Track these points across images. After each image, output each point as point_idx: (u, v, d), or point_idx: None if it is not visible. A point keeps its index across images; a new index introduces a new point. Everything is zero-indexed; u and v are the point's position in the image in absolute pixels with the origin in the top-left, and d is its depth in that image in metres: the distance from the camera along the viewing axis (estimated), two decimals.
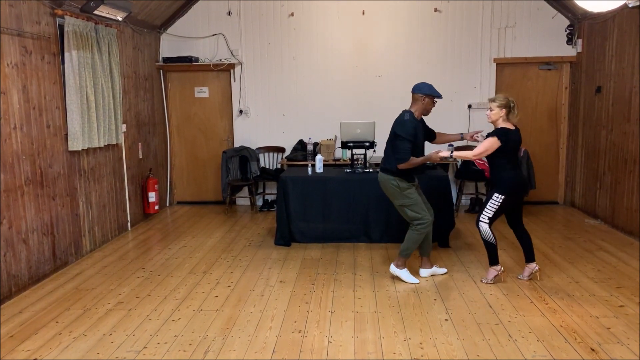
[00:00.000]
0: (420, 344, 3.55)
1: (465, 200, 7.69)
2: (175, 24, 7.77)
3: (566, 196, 7.79)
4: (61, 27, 5.19)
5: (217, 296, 4.44)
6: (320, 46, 7.72)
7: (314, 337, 3.66)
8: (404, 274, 4.74)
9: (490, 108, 4.45)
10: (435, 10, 7.54)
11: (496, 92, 7.66)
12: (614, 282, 4.62)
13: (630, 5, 5.66)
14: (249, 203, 7.99)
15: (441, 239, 5.76)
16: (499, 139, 4.34)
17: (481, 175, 7.16)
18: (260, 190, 7.97)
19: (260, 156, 7.90)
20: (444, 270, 4.92)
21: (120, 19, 5.86)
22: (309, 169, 6.07)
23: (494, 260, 4.61)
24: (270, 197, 7.88)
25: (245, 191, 8.00)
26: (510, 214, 4.65)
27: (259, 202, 7.97)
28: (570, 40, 7.44)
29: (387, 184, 4.66)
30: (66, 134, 5.28)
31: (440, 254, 5.50)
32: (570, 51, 7.47)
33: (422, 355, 3.39)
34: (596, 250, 5.54)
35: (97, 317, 4.05)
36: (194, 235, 6.38)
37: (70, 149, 5.30)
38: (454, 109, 7.70)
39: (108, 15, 5.60)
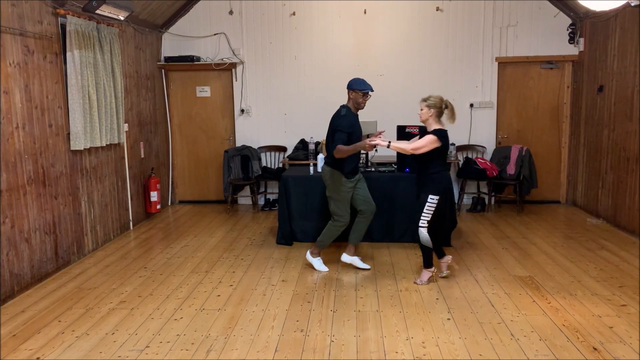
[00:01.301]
0: (423, 343, 3.55)
1: (467, 200, 7.68)
2: (176, 23, 7.78)
3: (568, 195, 7.79)
4: (63, 27, 5.20)
5: (219, 295, 4.44)
6: (322, 45, 7.72)
7: (316, 336, 3.67)
8: (316, 262, 5.02)
9: (420, 107, 4.47)
10: (437, 9, 7.53)
11: (498, 91, 7.66)
12: (616, 281, 4.61)
13: (632, 4, 5.66)
14: (250, 202, 7.99)
15: (443, 238, 5.74)
16: (439, 139, 4.36)
17: (483, 175, 7.17)
18: (262, 189, 7.97)
19: (262, 155, 7.90)
20: (367, 266, 5.02)
21: (122, 18, 5.86)
22: (311, 168, 6.07)
23: (429, 263, 4.62)
24: (271, 197, 7.88)
25: (246, 190, 8.00)
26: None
27: (261, 202, 7.97)
28: (572, 39, 7.43)
29: (324, 174, 4.89)
30: (68, 134, 5.29)
31: None
32: (572, 50, 7.46)
33: (424, 355, 3.39)
34: (598, 250, 5.53)
35: (99, 316, 4.06)
36: (195, 235, 6.39)
37: (72, 148, 5.30)
38: (455, 108, 7.62)
39: (110, 15, 5.60)
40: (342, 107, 4.78)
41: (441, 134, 4.38)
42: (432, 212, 4.46)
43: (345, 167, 4.76)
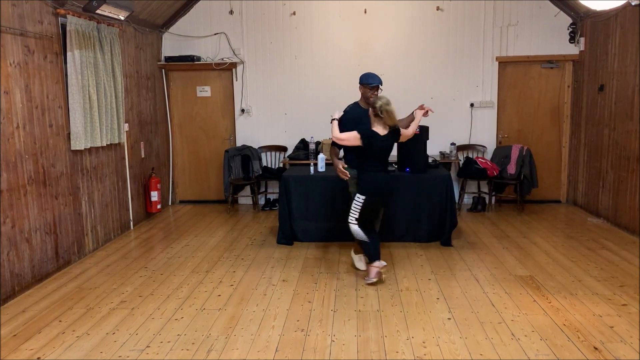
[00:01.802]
0: (423, 342, 3.55)
1: (467, 199, 7.68)
2: (177, 23, 7.77)
3: (568, 195, 7.78)
4: (63, 27, 5.19)
5: (219, 295, 4.44)
6: (322, 45, 7.72)
7: (317, 336, 3.67)
8: (357, 259, 5.01)
9: None
10: (438, 8, 7.53)
11: (498, 91, 7.66)
12: (616, 280, 4.61)
13: (633, 4, 5.66)
14: (251, 202, 7.99)
15: (444, 237, 5.75)
16: (361, 137, 4.43)
17: (483, 174, 7.16)
18: (262, 189, 7.97)
19: (262, 155, 7.90)
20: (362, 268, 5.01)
21: (122, 18, 5.86)
22: (311, 168, 6.07)
23: (373, 257, 4.59)
24: (272, 196, 7.88)
25: (247, 190, 8.00)
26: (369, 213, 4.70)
27: (261, 201, 7.97)
28: (572, 39, 7.42)
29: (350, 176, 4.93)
30: (69, 133, 5.29)
31: (442, 253, 5.50)
32: (572, 49, 7.46)
33: (424, 354, 3.39)
34: (599, 249, 5.53)
35: (100, 316, 4.06)
36: (196, 234, 6.39)
37: (72, 148, 5.30)
38: (456, 108, 7.69)
39: (110, 15, 5.61)
40: (354, 102, 4.95)
41: (365, 133, 4.44)
42: (358, 210, 4.55)
43: (354, 163, 4.82)
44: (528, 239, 5.95)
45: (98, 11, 5.36)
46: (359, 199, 4.54)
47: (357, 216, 4.57)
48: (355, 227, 4.60)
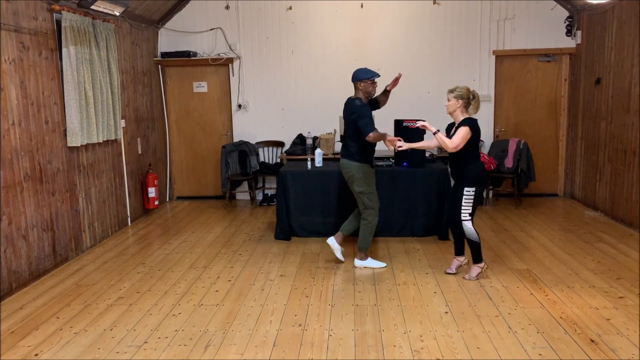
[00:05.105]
0: (420, 336, 3.56)
1: None
2: (173, 18, 7.74)
3: (566, 188, 7.79)
4: (58, 23, 5.17)
5: (217, 291, 4.45)
6: (319, 40, 7.70)
7: (315, 331, 3.67)
8: (369, 262, 4.90)
9: (447, 98, 4.43)
10: (434, 2, 7.51)
11: (495, 85, 7.65)
12: (613, 273, 4.62)
13: None
14: (248, 198, 7.99)
15: (441, 232, 5.76)
16: (471, 129, 4.30)
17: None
18: (260, 184, 7.97)
19: (260, 151, 7.90)
20: (342, 258, 4.98)
21: (117, 13, 5.85)
22: (309, 163, 6.06)
23: (478, 258, 4.52)
24: (269, 192, 7.88)
25: (244, 186, 8.00)
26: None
27: (259, 197, 7.97)
28: (569, 32, 7.42)
29: (351, 171, 4.75)
30: (65, 130, 5.27)
31: (440, 247, 5.51)
32: (569, 43, 7.45)
33: (422, 348, 3.40)
34: (596, 242, 5.54)
35: (97, 312, 4.06)
36: (194, 230, 6.38)
37: (69, 144, 5.29)
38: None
39: (105, 10, 5.59)
40: (355, 98, 4.71)
41: (472, 124, 4.31)
42: (471, 204, 4.40)
43: (371, 157, 4.79)
44: (525, 233, 5.96)
45: (93, 7, 5.34)
46: (469, 192, 4.38)
47: (470, 211, 4.42)
48: (469, 225, 4.43)
